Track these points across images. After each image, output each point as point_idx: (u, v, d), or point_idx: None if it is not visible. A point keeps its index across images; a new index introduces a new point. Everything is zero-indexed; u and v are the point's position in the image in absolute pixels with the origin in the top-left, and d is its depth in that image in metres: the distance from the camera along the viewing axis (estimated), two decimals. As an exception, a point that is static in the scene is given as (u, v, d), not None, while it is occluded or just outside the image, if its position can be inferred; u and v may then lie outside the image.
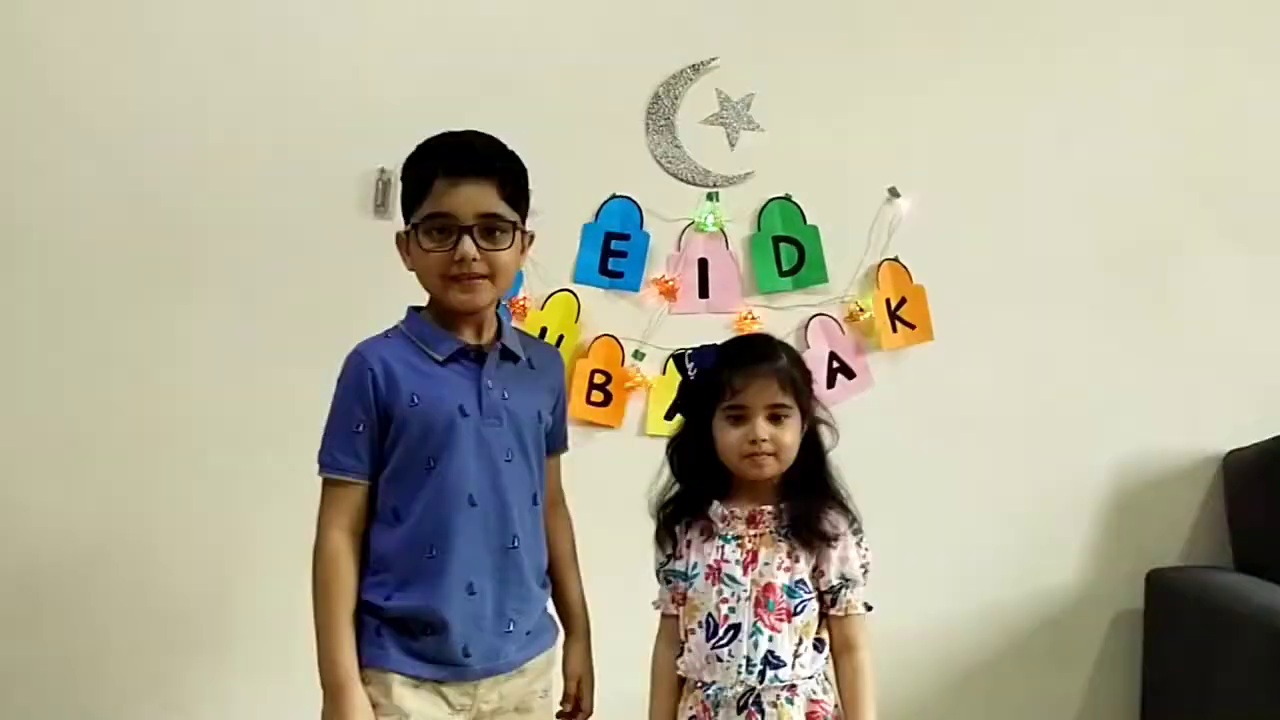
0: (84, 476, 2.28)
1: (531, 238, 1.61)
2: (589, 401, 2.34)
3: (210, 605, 2.30)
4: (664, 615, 1.68)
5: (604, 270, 2.35)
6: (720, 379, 1.59)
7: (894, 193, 2.38)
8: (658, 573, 1.67)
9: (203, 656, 2.31)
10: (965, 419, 2.40)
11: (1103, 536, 2.43)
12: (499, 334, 1.60)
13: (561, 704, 1.69)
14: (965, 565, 2.40)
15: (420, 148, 1.57)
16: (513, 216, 1.55)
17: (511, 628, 1.56)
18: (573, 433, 2.25)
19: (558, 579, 1.70)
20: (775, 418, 1.57)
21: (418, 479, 1.52)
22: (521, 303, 2.32)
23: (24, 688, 2.29)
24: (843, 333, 2.37)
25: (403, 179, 1.58)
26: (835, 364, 2.37)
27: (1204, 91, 2.42)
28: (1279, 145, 2.45)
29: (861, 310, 2.37)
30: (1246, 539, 2.32)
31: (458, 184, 1.50)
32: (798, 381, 1.59)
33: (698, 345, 1.65)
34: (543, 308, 2.34)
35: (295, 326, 2.26)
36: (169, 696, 2.31)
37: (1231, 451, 2.38)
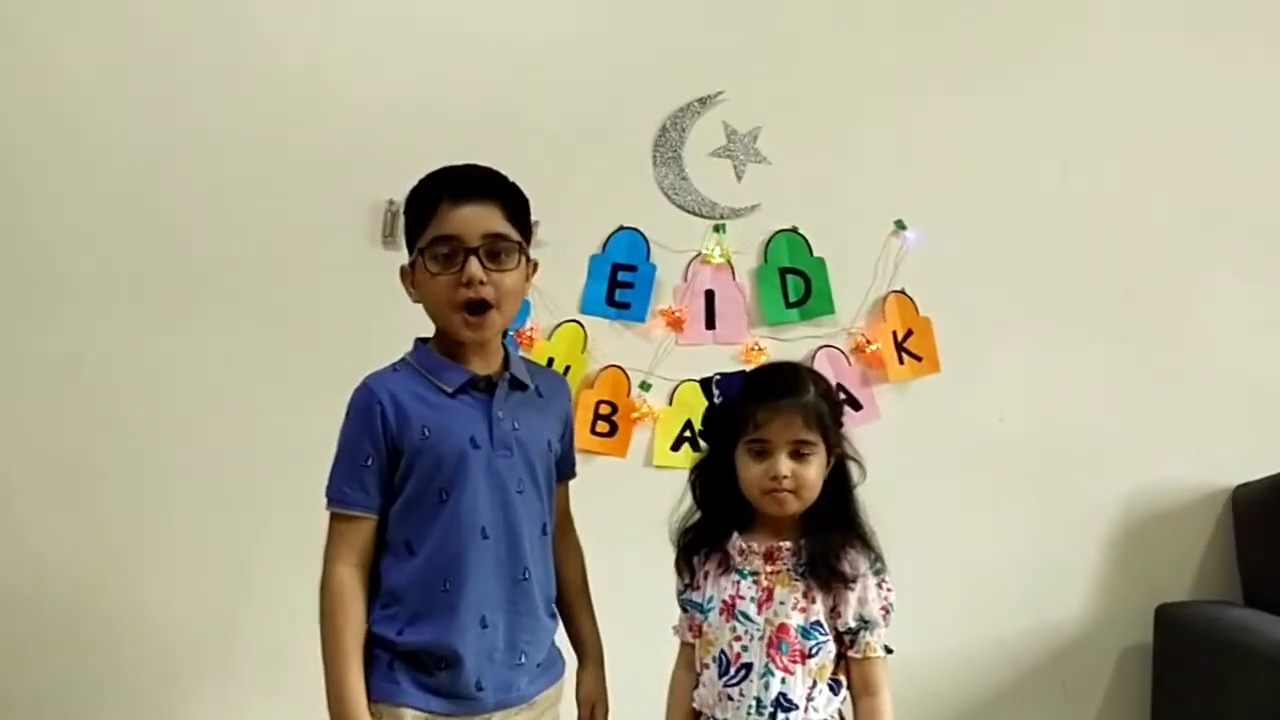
0: (87, 503, 2.29)
1: (535, 266, 1.61)
2: (594, 432, 2.35)
3: (213, 634, 2.29)
4: (683, 642, 1.66)
5: (611, 301, 2.36)
6: (744, 411, 1.56)
7: (900, 224, 2.39)
8: (678, 599, 1.65)
9: (205, 686, 2.30)
10: (972, 451, 2.40)
11: (1111, 570, 2.42)
12: (506, 363, 1.60)
13: None
14: (973, 598, 2.39)
15: (424, 178, 1.57)
16: (517, 237, 1.55)
17: (524, 660, 1.55)
18: (578, 462, 2.32)
19: (570, 606, 1.69)
20: (798, 454, 1.54)
21: (431, 512, 1.51)
22: (528, 333, 2.33)
23: (28, 715, 2.28)
24: (849, 364, 2.37)
25: (406, 211, 1.58)
26: (842, 396, 2.37)
27: (1214, 120, 2.44)
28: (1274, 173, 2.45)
29: (868, 342, 2.37)
30: (1256, 573, 2.32)
31: (461, 205, 1.51)
32: (824, 416, 1.55)
33: (728, 372, 1.63)
34: (550, 338, 2.34)
35: (302, 356, 2.26)
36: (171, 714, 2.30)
37: (1240, 485, 2.38)
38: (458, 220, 1.51)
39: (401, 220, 1.61)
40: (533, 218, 2.27)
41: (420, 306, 1.57)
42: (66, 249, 2.29)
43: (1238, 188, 2.44)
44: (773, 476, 1.53)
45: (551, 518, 1.63)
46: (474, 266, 1.50)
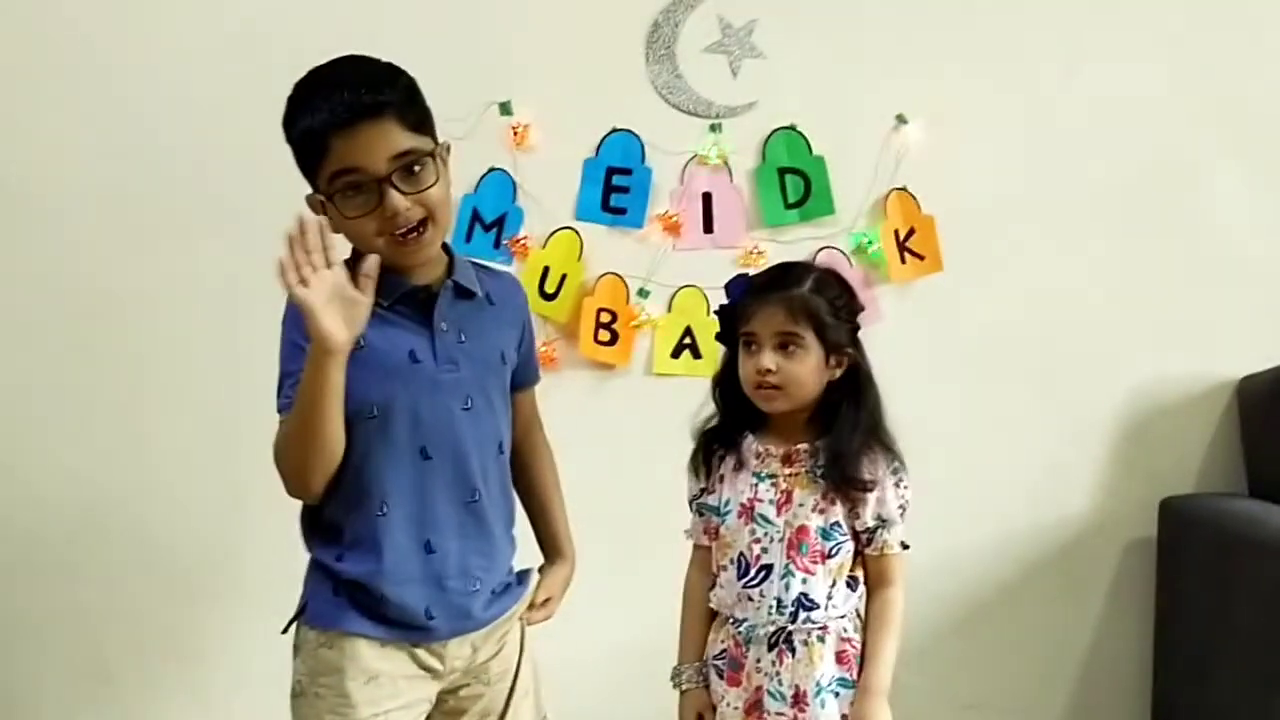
0: (85, 428, 2.30)
1: (448, 148, 1.47)
2: (597, 340, 2.35)
3: (215, 556, 2.32)
4: (696, 545, 1.69)
5: (606, 207, 2.34)
6: (739, 307, 1.60)
7: (901, 120, 2.36)
8: (690, 503, 1.68)
9: (213, 605, 2.34)
10: (975, 350, 2.41)
11: (1115, 465, 2.45)
12: (450, 269, 1.50)
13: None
14: (977, 496, 2.42)
15: (294, 100, 1.42)
16: (428, 146, 1.42)
17: (478, 586, 1.50)
18: (580, 373, 2.36)
19: (541, 507, 1.68)
20: (785, 348, 1.55)
21: (366, 431, 1.43)
22: (523, 241, 2.32)
23: (32, 641, 2.33)
24: (851, 265, 2.36)
25: (289, 140, 1.43)
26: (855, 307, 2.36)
27: (1222, 12, 2.40)
28: None
29: (870, 242, 2.37)
30: (1261, 465, 2.35)
31: (354, 133, 1.36)
32: (817, 311, 1.56)
33: (735, 275, 1.65)
34: (544, 246, 2.33)
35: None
36: (181, 646, 2.35)
37: (1246, 377, 2.40)
38: (356, 151, 1.37)
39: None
40: (524, 121, 2.28)
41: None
42: (53, 171, 2.26)
43: (1244, 81, 2.41)
44: (758, 370, 1.55)
45: (509, 433, 1.57)
46: (395, 200, 1.38)
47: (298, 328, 1.39)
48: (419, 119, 1.43)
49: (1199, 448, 2.45)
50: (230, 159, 2.26)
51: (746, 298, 1.59)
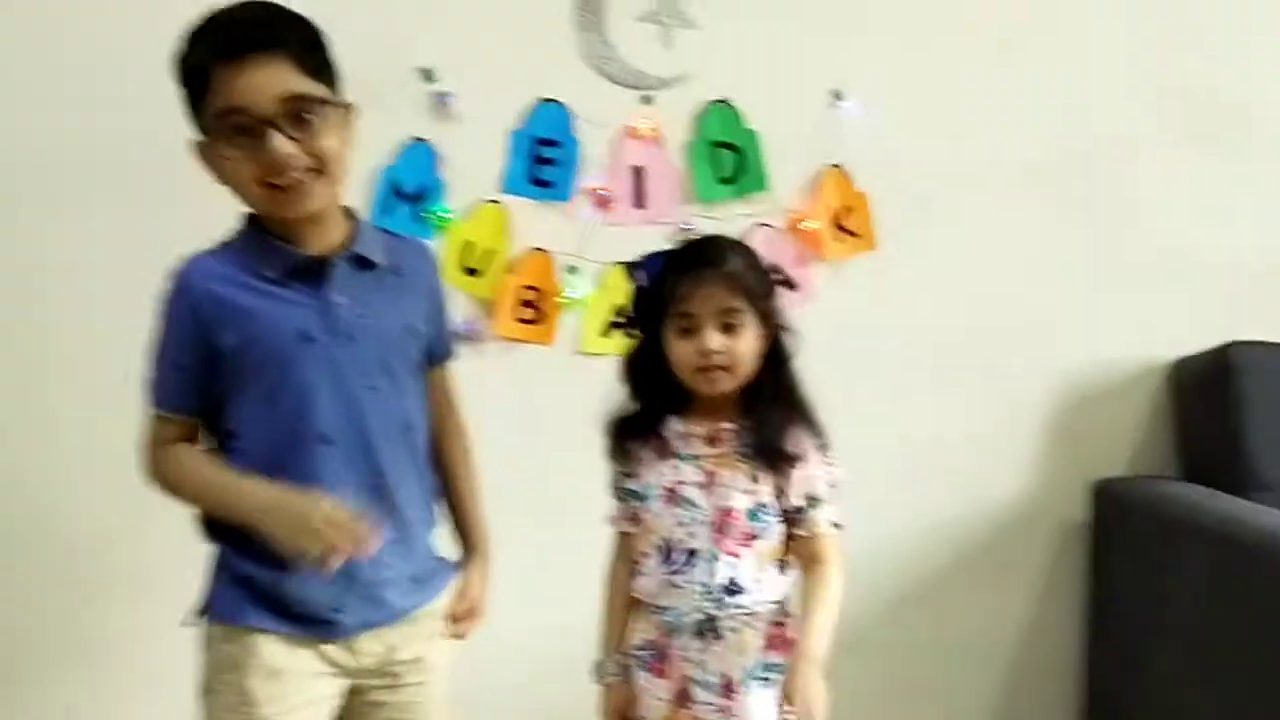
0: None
1: (350, 109, 1.39)
2: (518, 319, 2.28)
3: (123, 545, 2.21)
4: (618, 532, 1.64)
5: (533, 180, 2.27)
6: (667, 288, 1.53)
7: (837, 95, 2.33)
8: (611, 489, 1.63)
9: (117, 599, 2.24)
10: (909, 330, 2.39)
11: (1048, 447, 2.45)
12: (351, 237, 1.41)
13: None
14: (907, 479, 2.41)
15: (187, 34, 1.33)
16: (323, 93, 1.33)
17: (388, 574, 1.43)
18: (501, 351, 2.27)
19: (454, 498, 1.59)
20: (728, 326, 1.51)
21: (259, 418, 1.37)
22: (445, 215, 2.24)
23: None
24: (784, 242, 2.32)
25: (175, 77, 1.33)
26: (777, 275, 2.32)
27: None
28: (1234, 50, 2.44)
29: (803, 219, 2.33)
30: (1194, 448, 2.37)
31: (242, 67, 1.26)
32: (751, 285, 1.53)
33: (649, 251, 1.58)
34: (468, 220, 2.26)
35: (192, 241, 2.13)
36: (83, 643, 2.25)
37: (1181, 359, 2.41)
38: (241, 87, 1.27)
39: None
40: (447, 90, 2.20)
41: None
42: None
43: (1181, 63, 2.42)
44: (702, 352, 1.50)
45: (421, 413, 1.49)
46: (279, 143, 1.28)
47: (174, 323, 1.36)
48: (318, 66, 1.34)
49: (1132, 431, 2.46)
50: (132, 126, 2.12)
51: (673, 277, 1.54)
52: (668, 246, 1.60)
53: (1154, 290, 2.43)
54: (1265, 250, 2.45)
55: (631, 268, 1.59)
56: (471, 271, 2.25)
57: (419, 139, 2.21)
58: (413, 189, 2.22)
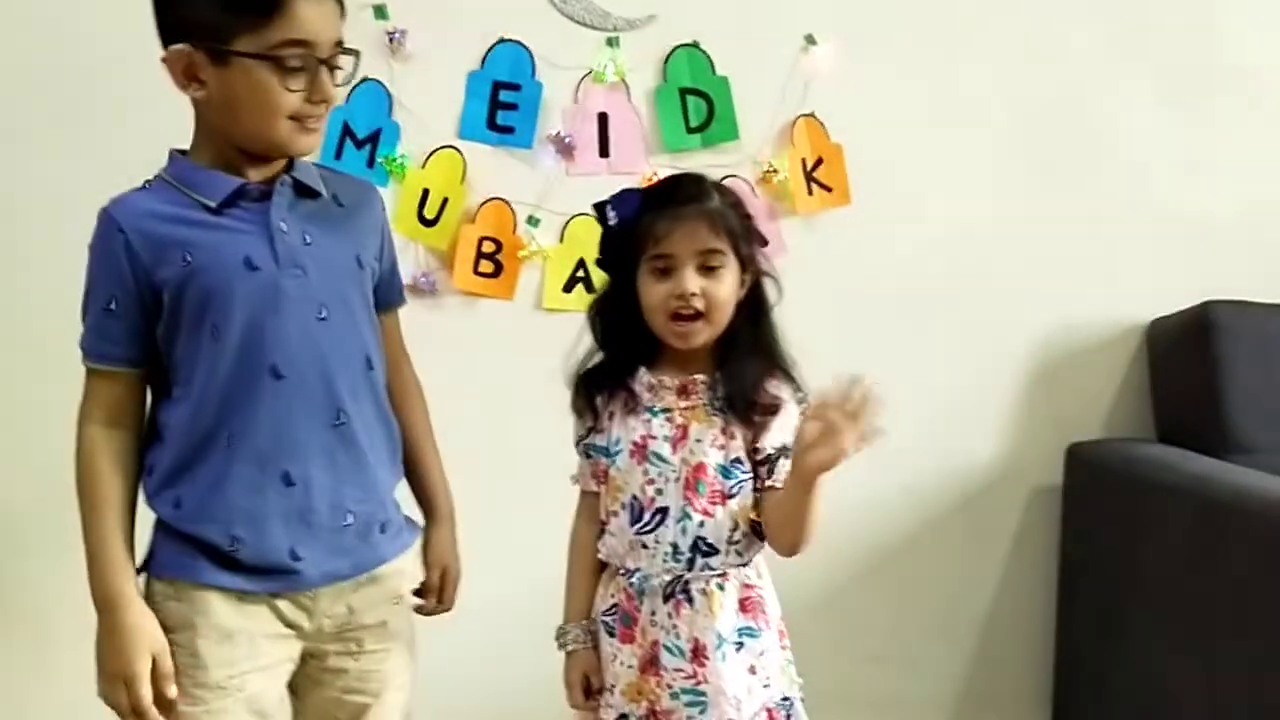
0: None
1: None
2: (477, 272, 2.21)
3: (57, 502, 2.11)
4: (583, 491, 1.57)
5: (492, 125, 2.20)
6: (643, 226, 1.45)
7: (811, 41, 2.27)
8: (576, 445, 1.55)
9: (54, 559, 2.12)
10: (882, 288, 2.35)
11: (1021, 409, 2.42)
12: (289, 167, 1.37)
13: (421, 596, 1.54)
14: (880, 443, 2.34)
15: None
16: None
17: (350, 519, 1.37)
18: (459, 306, 2.21)
19: (411, 455, 1.51)
20: (708, 268, 1.43)
21: (203, 353, 1.31)
22: (399, 161, 2.16)
23: None
24: (755, 195, 2.26)
25: None
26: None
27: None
28: (1212, 7, 2.40)
29: (775, 171, 2.27)
30: (1170, 410, 2.34)
31: (322, 1, 1.28)
32: (733, 225, 1.45)
33: (622, 189, 1.50)
34: (423, 167, 2.18)
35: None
36: (20, 603, 2.20)
37: (1156, 319, 2.38)
38: (319, 22, 1.27)
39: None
40: (401, 27, 2.12)
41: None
42: None
43: (1158, 19, 2.38)
44: (679, 295, 1.42)
45: (379, 352, 1.43)
46: (326, 80, 1.30)
47: (103, 265, 1.31)
48: (343, 12, 1.35)
49: (1107, 392, 2.44)
50: (79, 61, 2.06)
51: (650, 215, 1.45)
52: (641, 185, 1.52)
53: (1129, 249, 2.40)
54: (1242, 208, 2.42)
55: (602, 207, 1.50)
56: (428, 222, 2.17)
57: (371, 79, 2.12)
58: (365, 133, 2.14)
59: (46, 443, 2.06)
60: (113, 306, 1.30)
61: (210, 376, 1.30)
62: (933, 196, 2.34)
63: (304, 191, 1.37)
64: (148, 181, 1.35)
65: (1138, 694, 2.13)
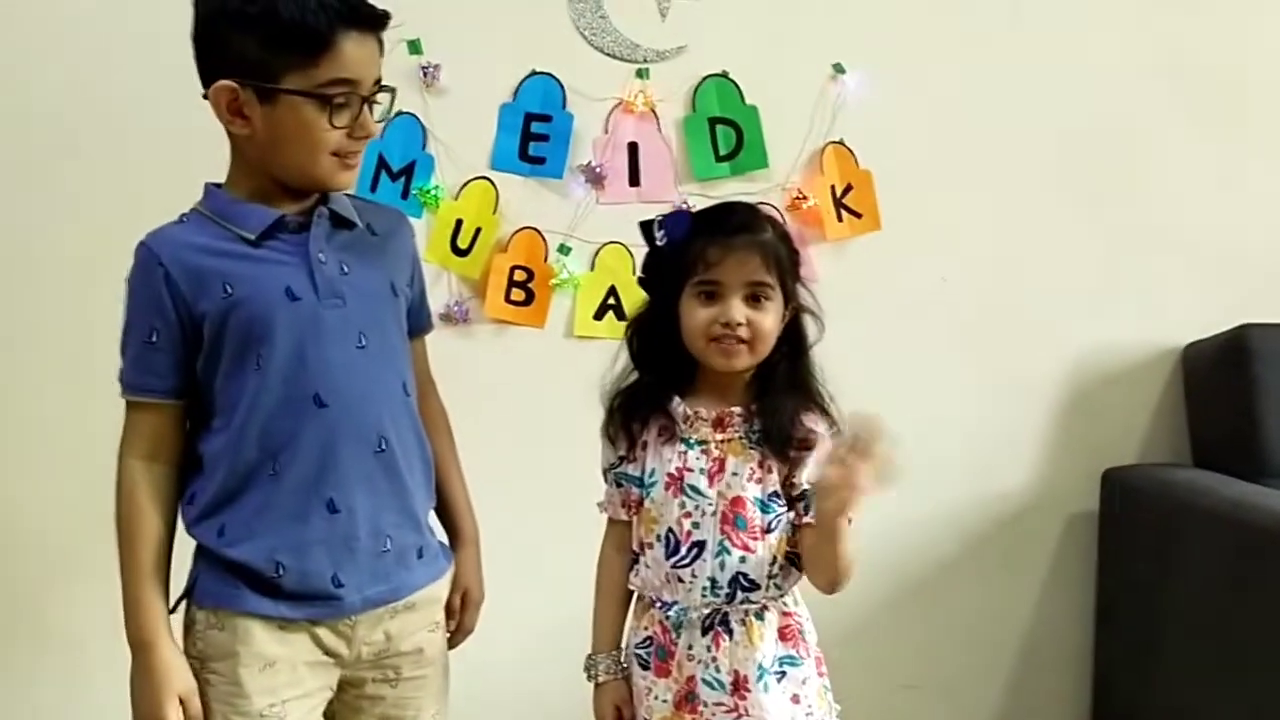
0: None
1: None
2: (509, 300, 2.24)
3: (95, 531, 2.14)
4: (611, 520, 1.57)
5: (524, 156, 2.22)
6: (693, 250, 1.45)
7: (839, 69, 2.28)
8: (606, 473, 1.55)
9: (91, 586, 2.15)
10: (914, 313, 2.36)
11: (1058, 435, 2.43)
12: (324, 198, 1.40)
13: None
14: (916, 468, 2.31)
15: None
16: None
17: (389, 545, 1.39)
18: (491, 333, 2.24)
19: (436, 482, 1.53)
20: (755, 298, 1.44)
21: (247, 383, 1.33)
22: (433, 192, 2.19)
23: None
24: (785, 222, 2.25)
25: (265, 21, 1.29)
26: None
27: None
28: (1246, 33, 2.41)
29: (804, 198, 2.28)
30: (1205, 434, 2.34)
31: (364, 42, 1.31)
32: (783, 259, 1.46)
33: (671, 211, 1.52)
34: (457, 197, 2.21)
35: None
36: (57, 630, 2.21)
37: (1191, 344, 2.38)
38: (365, 60, 1.31)
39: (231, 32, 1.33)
40: (434, 61, 2.17)
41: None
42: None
43: (1191, 44, 2.39)
44: (724, 323, 1.43)
45: (412, 375, 1.46)
46: (368, 117, 1.33)
47: (144, 298, 1.33)
48: (382, 50, 1.38)
49: (1143, 417, 2.44)
50: (104, 95, 2.11)
51: (701, 239, 1.46)
52: (694, 208, 1.53)
53: (1164, 274, 2.40)
54: (1277, 233, 2.42)
55: (650, 226, 1.50)
56: (461, 251, 2.20)
57: (406, 113, 2.15)
58: (400, 165, 2.18)
59: (80, 471, 2.13)
60: (154, 339, 1.32)
61: (254, 406, 1.32)
62: (964, 222, 2.35)
63: (340, 222, 1.39)
64: (183, 215, 1.38)
65: None
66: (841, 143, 2.29)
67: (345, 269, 1.37)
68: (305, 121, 1.30)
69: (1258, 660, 1.89)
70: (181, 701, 1.32)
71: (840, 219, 2.30)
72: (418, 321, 1.51)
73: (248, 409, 1.32)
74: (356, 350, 1.36)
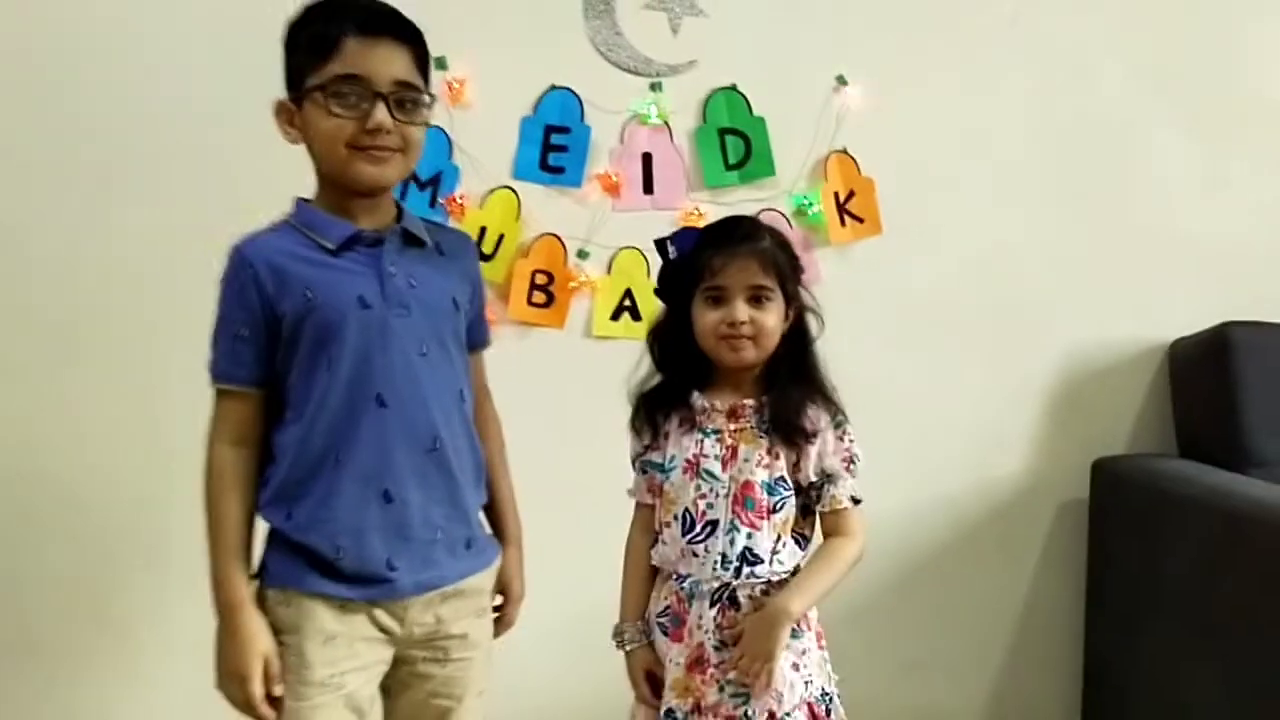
0: (6, 394, 2.22)
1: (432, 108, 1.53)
2: (530, 303, 2.33)
3: (146, 520, 2.25)
4: (638, 504, 1.70)
5: (544, 166, 2.31)
6: (700, 260, 1.58)
7: (841, 81, 2.37)
8: (634, 461, 1.68)
9: (141, 572, 2.28)
10: (913, 313, 2.44)
11: (1050, 427, 2.50)
12: (399, 218, 1.51)
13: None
14: (914, 458, 2.45)
15: (315, 7, 1.45)
16: (425, 89, 1.47)
17: (439, 535, 1.49)
18: (513, 335, 2.32)
19: (489, 484, 1.63)
20: (756, 299, 1.57)
21: (320, 381, 1.42)
22: (459, 200, 2.28)
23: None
24: (791, 227, 2.36)
25: (297, 35, 1.44)
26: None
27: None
28: (1233, 37, 2.48)
29: (809, 204, 2.37)
30: (1191, 425, 2.41)
31: (374, 45, 1.40)
32: (781, 264, 1.59)
33: (681, 227, 1.64)
34: (482, 206, 2.30)
35: (216, 223, 2.14)
36: (109, 614, 2.29)
37: (1177, 340, 2.45)
38: (368, 59, 1.40)
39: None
40: (459, 77, 2.25)
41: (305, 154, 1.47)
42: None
43: (1181, 46, 2.46)
44: (730, 323, 1.56)
45: (468, 383, 1.56)
46: (382, 113, 1.40)
47: (235, 295, 1.43)
48: (424, 65, 1.48)
49: (1131, 410, 2.50)
50: (162, 110, 2.19)
51: (706, 251, 1.59)
52: (699, 225, 1.64)
53: (1152, 273, 2.47)
54: (1260, 234, 2.49)
55: (664, 243, 1.63)
56: (485, 256, 2.28)
57: (433, 125, 2.18)
58: (427, 175, 2.26)
59: (138, 466, 2.25)
60: (244, 333, 1.43)
61: (322, 403, 1.42)
62: (961, 225, 2.43)
63: (411, 240, 1.50)
64: (274, 224, 1.49)
65: (1159, 699, 2.19)
66: (844, 151, 2.38)
67: (413, 283, 1.47)
68: (318, 114, 1.41)
69: (1235, 637, 1.96)
70: (264, 662, 1.43)
71: (843, 224, 2.39)
72: (477, 336, 1.62)
73: (317, 405, 1.42)
74: (418, 357, 1.46)
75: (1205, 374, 2.34)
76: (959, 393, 2.45)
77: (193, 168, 2.21)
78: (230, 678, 1.43)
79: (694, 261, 1.59)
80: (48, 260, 2.21)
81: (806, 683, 1.58)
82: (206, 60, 2.20)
